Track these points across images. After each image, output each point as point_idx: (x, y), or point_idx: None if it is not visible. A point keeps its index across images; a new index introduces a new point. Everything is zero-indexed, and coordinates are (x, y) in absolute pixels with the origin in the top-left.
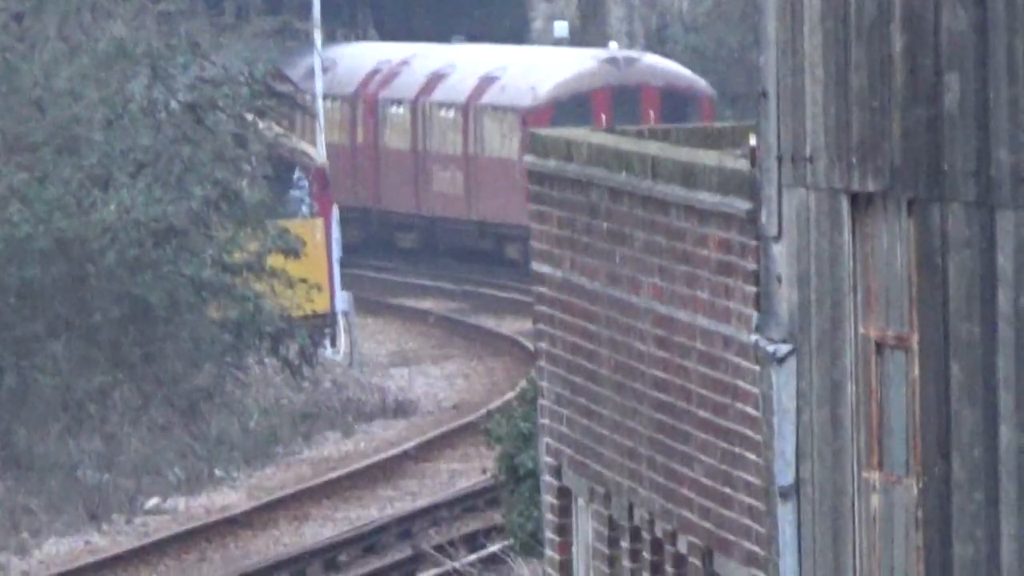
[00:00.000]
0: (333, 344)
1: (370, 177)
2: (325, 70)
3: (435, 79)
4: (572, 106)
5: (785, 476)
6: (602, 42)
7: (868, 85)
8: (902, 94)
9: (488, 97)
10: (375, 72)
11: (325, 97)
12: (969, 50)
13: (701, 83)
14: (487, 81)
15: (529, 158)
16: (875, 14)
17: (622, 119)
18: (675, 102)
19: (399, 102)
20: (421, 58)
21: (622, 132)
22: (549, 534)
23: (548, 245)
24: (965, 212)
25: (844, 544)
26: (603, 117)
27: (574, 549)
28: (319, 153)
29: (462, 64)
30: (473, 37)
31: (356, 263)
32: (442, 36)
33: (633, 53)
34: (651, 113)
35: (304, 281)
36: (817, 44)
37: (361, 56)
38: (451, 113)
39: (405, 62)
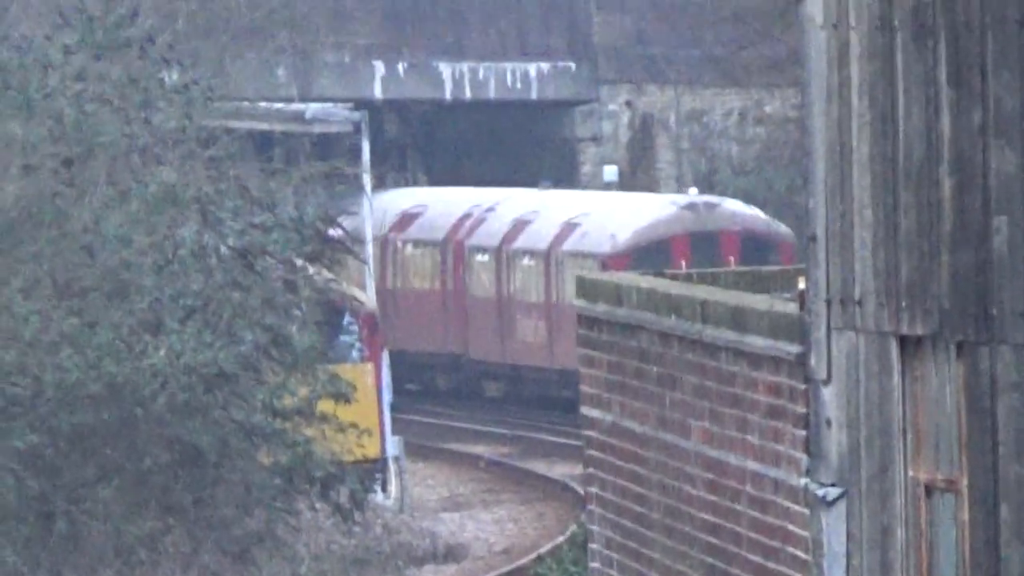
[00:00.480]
0: (384, 489)
1: (458, 324)
2: (416, 215)
3: (519, 226)
4: (651, 252)
5: None
6: (651, 186)
7: (916, 228)
8: (950, 237)
9: (569, 244)
10: (465, 218)
11: (416, 243)
12: (1018, 192)
13: (781, 227)
14: (569, 228)
15: (578, 302)
16: (923, 157)
17: (702, 264)
18: (755, 246)
19: (484, 250)
20: (507, 204)
21: (671, 276)
22: None
23: (598, 389)
24: (1014, 355)
25: None
26: (682, 263)
27: None
28: (369, 298)
29: (545, 210)
30: (522, 179)
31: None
32: (491, 180)
33: (713, 199)
34: (731, 258)
35: (354, 426)
36: (866, 187)
37: (452, 201)
38: (533, 260)
39: (492, 208)
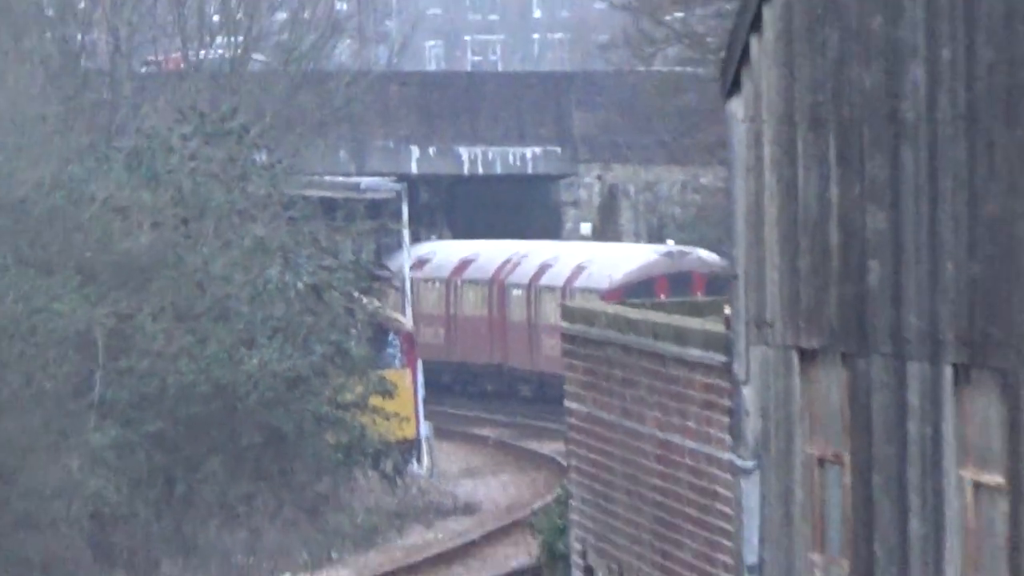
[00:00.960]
0: (418, 461)
1: (499, 342)
2: (470, 261)
3: (543, 268)
4: (639, 288)
5: (751, 557)
6: (616, 238)
7: (812, 269)
8: (837, 275)
9: (578, 282)
10: (505, 263)
11: (471, 282)
12: (886, 242)
13: None
14: (579, 270)
15: (562, 323)
16: (817, 216)
17: (677, 297)
18: (717, 284)
19: (519, 286)
20: (536, 252)
21: (631, 304)
22: None
23: (577, 388)
24: (884, 363)
25: None
26: (662, 296)
27: None
28: (407, 320)
29: (563, 256)
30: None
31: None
32: (499, 232)
33: (686, 248)
34: (699, 292)
35: (396, 415)
36: (774, 239)
37: (496, 251)
38: (552, 294)
39: (525, 255)
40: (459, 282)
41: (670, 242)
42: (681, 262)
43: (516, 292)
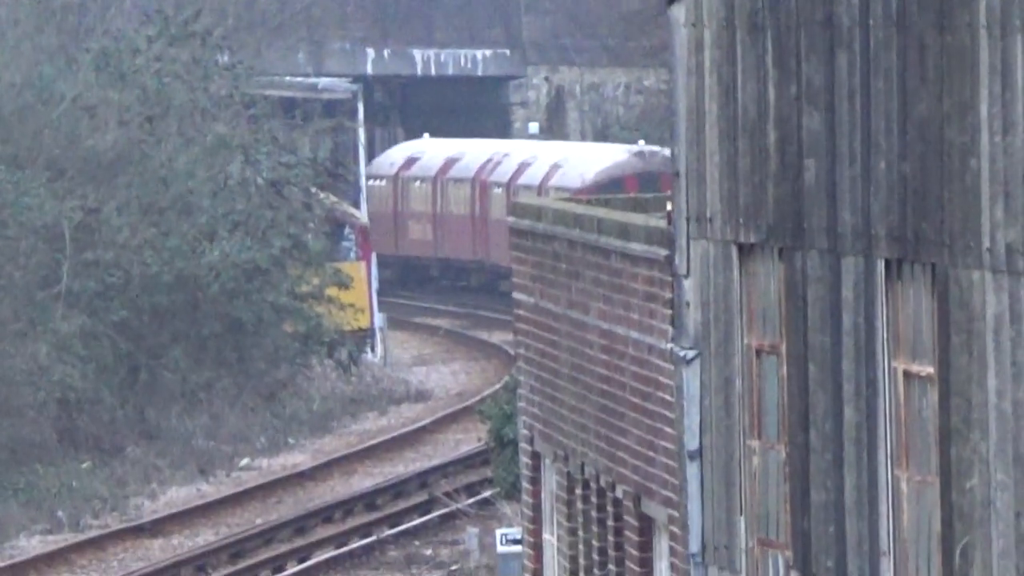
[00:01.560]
0: (372, 350)
1: (482, 239)
2: (456, 160)
3: (523, 167)
4: (610, 186)
5: (692, 444)
6: (563, 137)
7: (750, 167)
8: (774, 173)
9: (553, 180)
10: (487, 162)
11: (456, 181)
12: (822, 142)
13: None
14: (554, 168)
15: (511, 218)
16: (755, 117)
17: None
18: None
19: (499, 185)
20: (516, 151)
21: (576, 201)
22: (525, 484)
23: (525, 280)
24: (819, 257)
25: (734, 492)
26: (632, 194)
27: (543, 495)
28: (363, 215)
29: (541, 156)
30: (471, 132)
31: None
32: (451, 132)
33: (655, 148)
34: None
35: (352, 306)
36: (714, 138)
37: (479, 150)
38: (530, 192)
39: (507, 154)
40: (444, 180)
41: (641, 142)
42: (650, 162)
43: (496, 191)
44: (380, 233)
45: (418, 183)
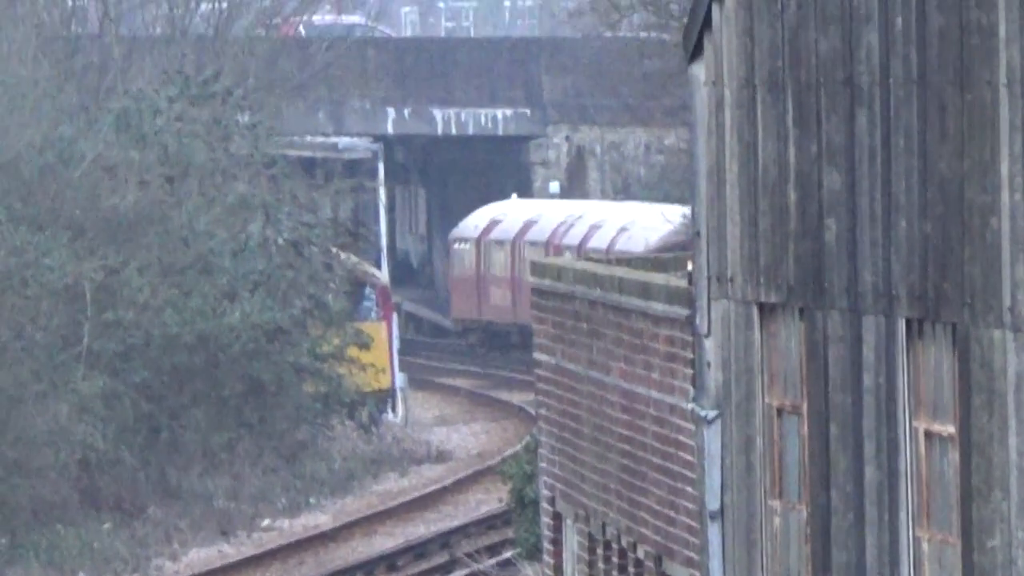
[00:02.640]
0: (393, 410)
1: None
2: (533, 222)
3: (592, 230)
4: (673, 249)
5: (713, 503)
6: (584, 196)
7: (771, 226)
8: (795, 233)
9: (619, 244)
10: (560, 224)
11: (530, 244)
12: (842, 201)
13: None
14: (621, 232)
15: (532, 278)
16: (776, 177)
17: None
18: None
19: (570, 248)
20: (590, 213)
21: (596, 261)
22: (546, 544)
23: (545, 340)
24: (840, 317)
25: (755, 552)
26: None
27: (564, 555)
28: (383, 275)
29: (610, 218)
30: (492, 191)
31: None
32: (472, 191)
33: None
34: None
35: (372, 366)
36: (735, 198)
37: (555, 212)
38: (598, 256)
39: (580, 216)
40: (522, 243)
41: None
42: None
43: (568, 255)
44: (464, 298)
45: (498, 246)
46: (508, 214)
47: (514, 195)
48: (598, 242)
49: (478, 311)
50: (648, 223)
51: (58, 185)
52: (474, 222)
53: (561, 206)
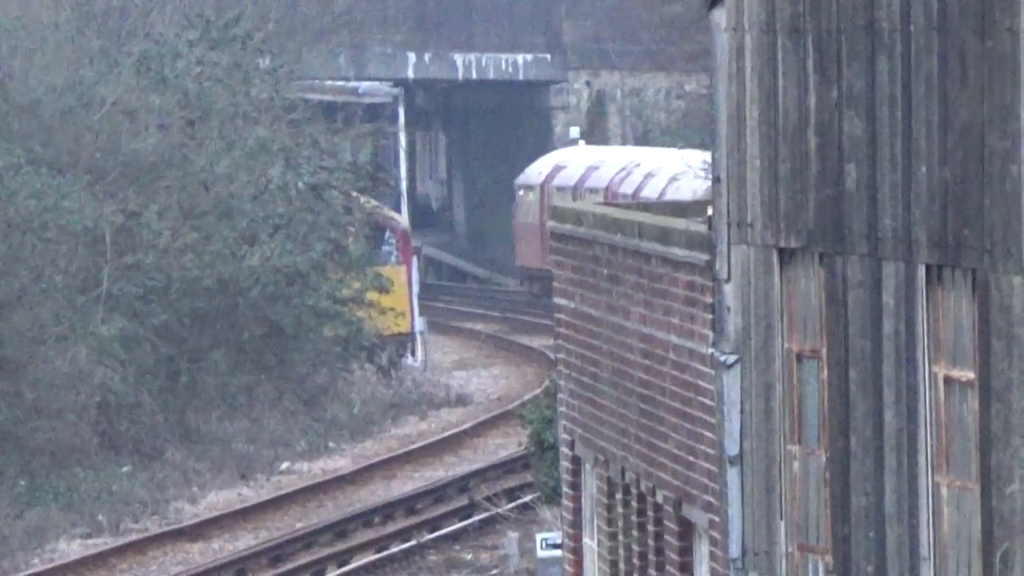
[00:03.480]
0: (413, 354)
1: None
2: (595, 168)
3: (647, 179)
4: None
5: (732, 449)
6: (604, 142)
7: (791, 172)
8: (815, 178)
9: (669, 194)
10: (620, 171)
11: (590, 190)
12: (862, 147)
13: None
14: (671, 182)
15: (551, 223)
16: (796, 122)
17: None
18: None
19: (625, 196)
20: (646, 161)
21: (618, 205)
22: (565, 489)
23: (565, 284)
24: (860, 262)
25: (774, 497)
26: None
27: (583, 500)
28: (403, 219)
29: (664, 167)
30: (512, 137)
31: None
32: (492, 136)
33: None
34: None
35: (392, 310)
36: (755, 143)
37: (615, 159)
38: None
39: (638, 164)
40: (582, 191)
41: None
42: None
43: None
44: (527, 246)
45: (560, 193)
46: (572, 160)
47: (581, 140)
48: (650, 191)
49: (540, 260)
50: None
51: (78, 128)
52: (538, 168)
53: (623, 153)
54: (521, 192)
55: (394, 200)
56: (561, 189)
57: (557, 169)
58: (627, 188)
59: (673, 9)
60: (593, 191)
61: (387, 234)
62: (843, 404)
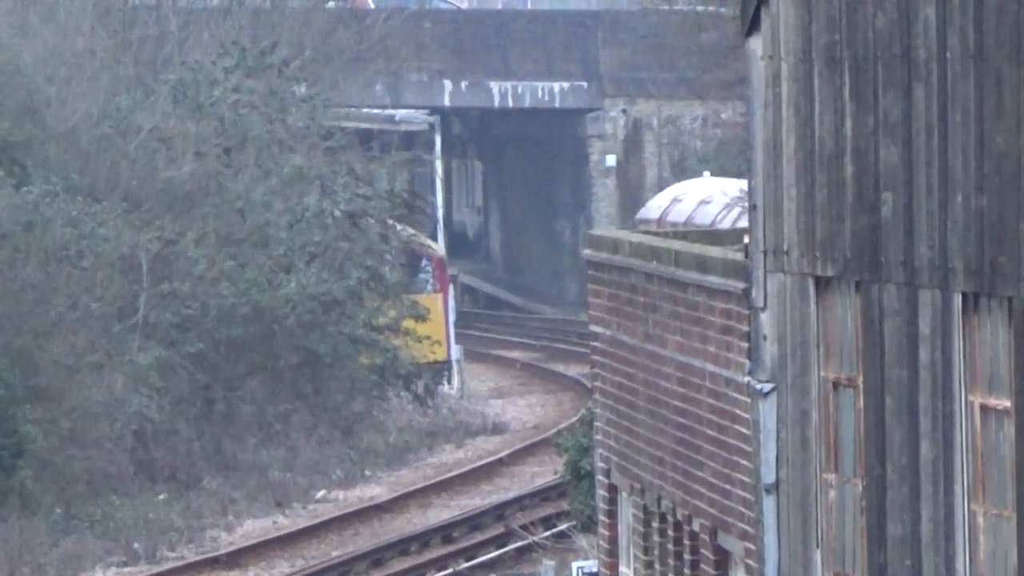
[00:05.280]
0: (449, 382)
1: None
2: (706, 203)
3: (726, 209)
4: None
5: (768, 477)
6: (640, 170)
7: (827, 200)
8: (851, 206)
9: (724, 222)
10: (700, 203)
11: (696, 225)
12: (899, 175)
13: None
14: (727, 208)
15: (587, 251)
16: (832, 150)
17: None
18: None
19: (703, 225)
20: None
21: (653, 233)
22: (601, 517)
23: (601, 312)
24: (896, 291)
25: (810, 526)
26: None
27: (620, 528)
28: (440, 247)
29: (729, 194)
30: (548, 165)
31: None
32: (528, 164)
33: None
34: None
35: (428, 338)
36: (791, 171)
37: (725, 190)
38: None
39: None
40: (691, 225)
41: (706, 173)
42: None
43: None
44: None
45: (671, 229)
46: (688, 193)
47: (706, 172)
48: (702, 218)
49: None
50: None
51: (115, 156)
52: (657, 203)
53: (733, 184)
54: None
55: (430, 228)
56: (674, 225)
57: (674, 203)
58: (730, 222)
59: (709, 37)
60: (698, 227)
61: (423, 262)
62: (879, 432)
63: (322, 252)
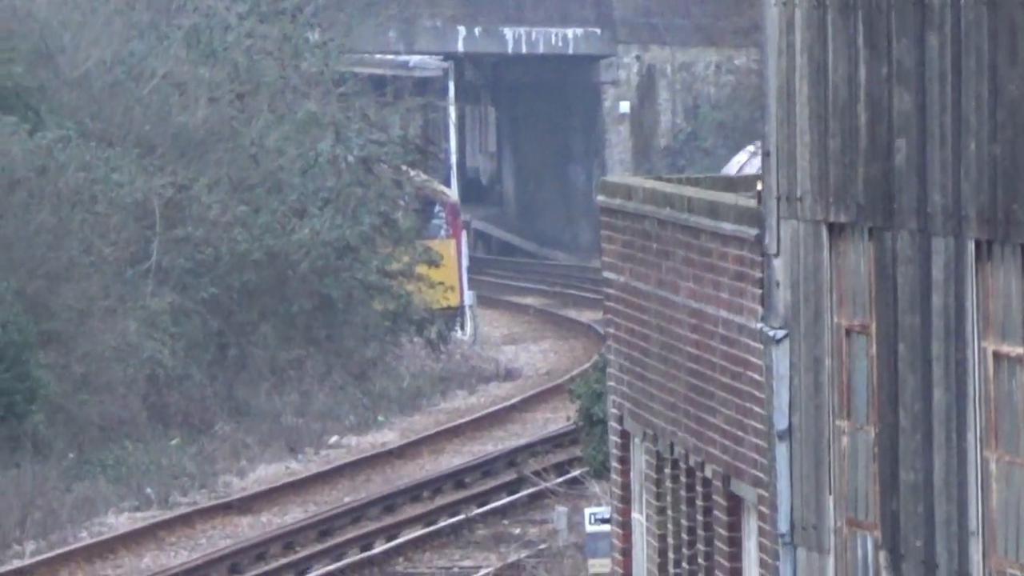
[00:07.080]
0: (462, 328)
1: None
2: (755, 154)
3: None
4: None
5: (781, 423)
6: (653, 116)
7: (841, 146)
8: (865, 153)
9: None
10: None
11: None
12: (912, 122)
13: None
14: None
15: (600, 197)
16: (846, 97)
17: None
18: None
19: None
20: None
21: (666, 179)
22: (614, 463)
23: (614, 259)
24: (910, 237)
25: (823, 472)
26: None
27: (632, 474)
28: (453, 193)
29: None
30: (561, 111)
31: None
32: (542, 110)
33: None
34: None
35: (441, 283)
36: (805, 118)
37: None
38: None
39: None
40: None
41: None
42: None
43: None
44: None
45: None
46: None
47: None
48: None
49: None
50: None
51: (128, 101)
52: (738, 159)
53: None
54: None
55: (444, 174)
56: None
57: (752, 157)
58: None
59: None
60: None
61: (437, 208)
62: (892, 379)
63: (335, 198)
